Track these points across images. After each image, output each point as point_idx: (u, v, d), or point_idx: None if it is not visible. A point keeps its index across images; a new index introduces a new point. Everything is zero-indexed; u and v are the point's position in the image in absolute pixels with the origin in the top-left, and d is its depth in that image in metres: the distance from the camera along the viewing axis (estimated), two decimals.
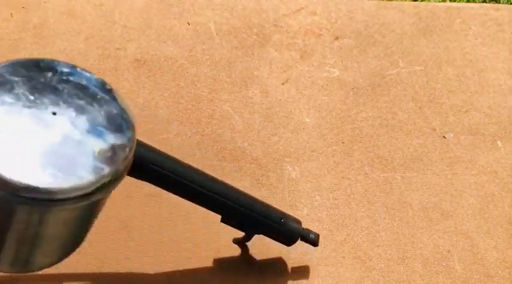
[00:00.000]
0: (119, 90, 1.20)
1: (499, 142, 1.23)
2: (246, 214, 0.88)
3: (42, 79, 0.48)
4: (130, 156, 0.49)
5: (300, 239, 0.97)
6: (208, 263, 0.99)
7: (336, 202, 1.10)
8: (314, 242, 0.98)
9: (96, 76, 0.52)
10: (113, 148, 0.47)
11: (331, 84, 1.28)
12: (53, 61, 0.51)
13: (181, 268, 0.98)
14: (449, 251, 1.06)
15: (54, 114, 0.47)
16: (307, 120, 1.22)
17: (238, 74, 1.27)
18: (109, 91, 0.52)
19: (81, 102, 0.49)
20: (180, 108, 1.19)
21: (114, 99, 0.52)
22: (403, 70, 1.33)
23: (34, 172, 0.42)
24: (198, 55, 1.29)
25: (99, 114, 0.49)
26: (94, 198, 0.47)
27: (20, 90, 0.46)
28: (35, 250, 0.51)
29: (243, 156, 1.14)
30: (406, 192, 1.13)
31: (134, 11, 1.35)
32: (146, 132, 1.14)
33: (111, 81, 1.22)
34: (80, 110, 0.48)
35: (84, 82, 0.51)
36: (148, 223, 1.02)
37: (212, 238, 1.01)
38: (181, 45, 1.30)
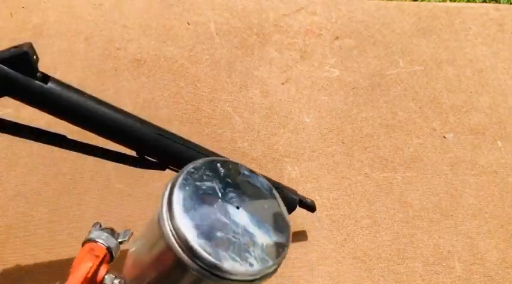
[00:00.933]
0: (119, 90, 1.21)
1: (499, 142, 1.23)
2: None
3: (229, 178, 0.59)
4: (286, 255, 0.59)
5: (299, 205, 0.98)
6: None
7: (336, 202, 1.10)
8: (312, 207, 1.00)
9: (266, 181, 0.64)
10: (276, 245, 0.57)
11: (331, 84, 1.28)
12: (237, 163, 0.62)
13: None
14: (449, 251, 1.06)
15: (237, 208, 0.57)
16: (307, 120, 1.22)
17: (238, 74, 1.27)
18: (274, 195, 0.62)
19: (256, 201, 0.59)
20: (180, 108, 1.19)
21: (277, 201, 0.62)
22: (403, 70, 1.33)
23: (220, 253, 0.53)
24: (198, 55, 1.29)
25: (267, 213, 0.59)
26: None
27: (215, 183, 0.58)
28: None
29: (243, 156, 1.14)
30: (406, 192, 1.13)
31: (134, 11, 1.35)
32: None
33: (111, 81, 1.23)
34: (255, 208, 0.58)
35: (258, 184, 0.62)
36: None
37: None
38: (181, 45, 1.30)
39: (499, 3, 1.59)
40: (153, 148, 0.81)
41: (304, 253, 1.02)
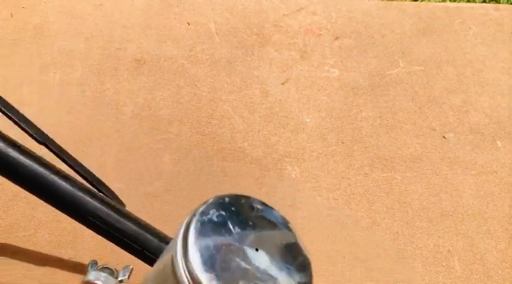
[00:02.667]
0: (119, 90, 1.21)
1: (499, 142, 1.23)
2: None
3: (244, 215, 0.55)
4: None
5: None
6: None
7: (336, 202, 1.10)
8: None
9: (280, 214, 0.59)
10: None
11: (331, 84, 1.28)
12: (248, 197, 0.58)
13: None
14: (449, 251, 1.06)
15: (257, 250, 0.53)
16: (307, 120, 1.22)
17: (238, 74, 1.27)
18: (290, 229, 0.59)
19: (275, 240, 0.56)
20: (180, 108, 1.19)
21: (295, 236, 0.58)
22: (403, 70, 1.33)
23: None
24: (198, 55, 1.29)
25: (287, 251, 0.56)
26: None
27: (232, 225, 0.54)
28: None
29: (243, 156, 1.14)
30: (406, 192, 1.13)
31: (134, 11, 1.35)
32: (146, 132, 1.14)
33: (111, 81, 1.23)
34: (274, 247, 0.55)
35: (273, 219, 0.57)
36: (148, 222, 1.02)
37: None
38: (181, 45, 1.30)
39: (499, 3, 1.59)
40: None
41: None
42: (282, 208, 1.05)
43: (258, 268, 0.52)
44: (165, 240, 0.78)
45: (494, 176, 1.17)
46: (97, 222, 0.75)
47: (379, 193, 1.12)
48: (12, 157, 0.71)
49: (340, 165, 1.15)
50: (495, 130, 1.25)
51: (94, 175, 0.77)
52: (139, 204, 1.05)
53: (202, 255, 0.50)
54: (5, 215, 1.01)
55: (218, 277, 0.49)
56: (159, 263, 0.59)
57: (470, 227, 1.10)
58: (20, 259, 0.97)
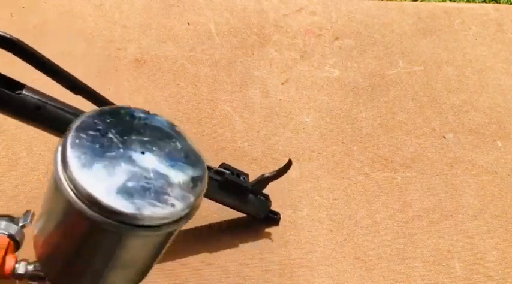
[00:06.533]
0: (119, 90, 1.21)
1: (499, 142, 1.23)
2: None
3: (126, 124, 0.56)
4: (205, 186, 0.57)
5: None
6: (208, 259, 0.99)
7: (336, 202, 1.10)
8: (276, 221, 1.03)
9: (166, 119, 0.61)
10: (193, 180, 0.54)
11: (331, 84, 1.28)
12: (130, 108, 0.59)
13: (180, 265, 0.98)
14: (449, 251, 1.06)
15: (143, 153, 0.54)
16: (307, 120, 1.22)
17: (238, 74, 1.27)
18: (178, 131, 0.59)
19: (161, 142, 0.56)
20: (180, 108, 1.19)
21: (183, 137, 0.58)
22: (403, 70, 1.33)
23: (136, 202, 0.49)
24: (198, 55, 1.29)
25: (176, 150, 0.56)
26: (179, 225, 0.53)
27: (112, 134, 0.53)
28: (111, 275, 0.58)
29: (243, 156, 1.14)
30: (406, 192, 1.13)
31: (134, 11, 1.35)
32: None
33: (111, 81, 1.23)
34: (162, 148, 0.55)
35: (158, 124, 0.59)
36: None
37: (211, 236, 1.01)
38: (181, 45, 1.30)
39: (499, 3, 1.59)
40: None
41: (304, 253, 1.02)
42: (282, 208, 1.05)
43: (145, 169, 0.52)
44: None
45: (494, 176, 1.17)
46: None
47: (379, 193, 1.12)
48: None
49: (340, 165, 1.15)
50: (495, 130, 1.25)
51: None
52: None
53: (81, 162, 0.50)
54: None
55: (103, 181, 0.49)
56: (47, 189, 0.58)
57: (471, 227, 1.10)
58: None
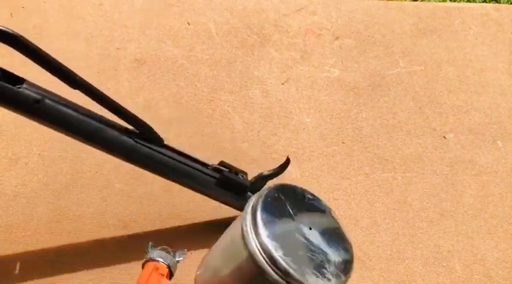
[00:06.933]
0: (119, 90, 1.21)
1: (499, 142, 1.23)
2: None
3: (299, 202, 0.66)
4: (353, 269, 0.67)
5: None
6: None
7: (336, 202, 1.10)
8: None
9: (326, 203, 0.70)
10: (344, 262, 0.65)
11: (331, 84, 1.28)
12: (302, 188, 0.69)
13: (179, 265, 0.98)
14: (449, 251, 1.06)
15: (310, 228, 0.64)
16: (307, 120, 1.22)
17: (238, 74, 1.27)
18: (334, 216, 0.69)
19: (323, 222, 0.66)
20: (180, 108, 1.19)
21: (338, 222, 0.69)
22: (403, 70, 1.33)
23: (303, 269, 0.59)
24: (198, 55, 1.29)
25: (333, 233, 0.66)
26: None
27: (289, 207, 0.64)
28: None
29: (243, 156, 1.14)
30: (406, 192, 1.13)
31: (134, 11, 1.35)
32: None
33: (111, 81, 1.23)
34: (323, 228, 0.65)
35: (322, 207, 0.69)
36: (147, 222, 1.02)
37: (210, 235, 1.01)
38: (181, 45, 1.30)
39: (499, 3, 1.59)
40: None
41: None
42: None
43: (312, 243, 0.63)
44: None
45: (495, 176, 1.17)
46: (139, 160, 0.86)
47: (379, 193, 1.12)
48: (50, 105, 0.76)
49: (341, 165, 1.15)
50: (495, 130, 1.25)
51: (131, 113, 0.84)
52: (139, 203, 1.05)
53: (268, 228, 0.60)
54: (5, 215, 1.01)
55: (282, 247, 0.59)
56: (226, 237, 0.70)
57: (471, 227, 1.09)
58: (20, 259, 0.97)
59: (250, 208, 0.63)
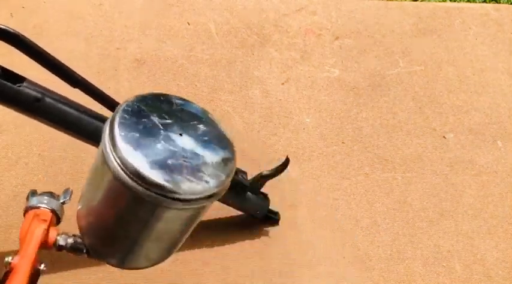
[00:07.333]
0: (119, 90, 1.21)
1: (499, 142, 1.23)
2: None
3: (166, 109, 0.62)
4: (235, 166, 0.62)
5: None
6: (206, 259, 0.99)
7: (336, 202, 1.10)
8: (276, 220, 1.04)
9: (199, 106, 0.67)
10: (224, 161, 0.60)
11: (331, 84, 1.28)
12: (167, 95, 0.65)
13: (180, 265, 0.98)
14: (449, 251, 1.06)
15: (180, 135, 0.60)
16: (307, 120, 1.22)
17: (238, 74, 1.27)
18: (210, 117, 0.66)
19: (196, 125, 0.62)
20: None
21: (215, 123, 0.66)
22: (403, 70, 1.33)
23: (175, 177, 0.55)
24: (198, 55, 1.29)
25: (209, 134, 0.62)
26: (211, 201, 0.59)
27: (154, 117, 0.60)
28: (145, 245, 0.65)
29: (243, 156, 1.13)
30: (406, 192, 1.13)
31: (134, 11, 1.35)
32: None
33: (111, 81, 1.23)
34: (196, 132, 0.62)
35: (193, 110, 0.65)
36: None
37: (210, 235, 1.01)
38: (181, 45, 1.30)
39: (499, 3, 1.59)
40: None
41: (304, 253, 1.02)
42: (282, 208, 1.05)
43: (183, 149, 0.58)
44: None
45: (495, 176, 1.17)
46: None
47: (379, 193, 1.12)
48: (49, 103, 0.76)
49: (340, 165, 1.15)
50: (495, 130, 1.25)
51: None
52: None
53: (128, 141, 0.56)
54: (5, 215, 1.01)
55: (147, 157, 0.55)
56: (93, 165, 0.65)
57: (470, 227, 1.09)
58: None
59: (108, 125, 0.58)
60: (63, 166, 1.08)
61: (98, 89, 0.78)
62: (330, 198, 1.10)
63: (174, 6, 1.37)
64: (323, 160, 1.16)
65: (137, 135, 0.57)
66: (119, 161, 0.55)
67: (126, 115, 0.58)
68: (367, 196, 1.11)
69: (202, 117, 0.65)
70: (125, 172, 0.54)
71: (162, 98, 0.63)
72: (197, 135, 0.61)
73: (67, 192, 0.76)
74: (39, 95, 0.75)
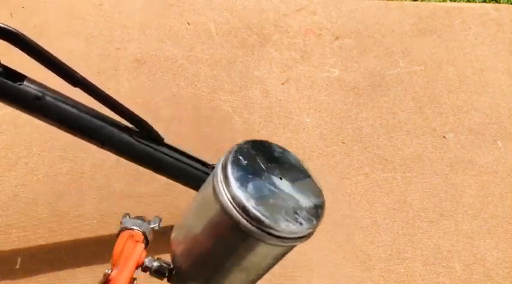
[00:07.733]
0: (119, 90, 1.21)
1: (499, 142, 1.23)
2: None
3: (268, 154, 0.69)
4: (324, 213, 0.68)
5: None
6: None
7: (336, 202, 1.10)
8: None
9: (295, 155, 0.73)
10: (316, 207, 0.67)
11: (331, 84, 1.28)
12: (270, 142, 0.72)
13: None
14: (449, 251, 1.06)
15: (280, 178, 0.67)
16: (307, 120, 1.22)
17: (238, 74, 1.27)
18: (305, 166, 0.72)
19: (293, 172, 0.70)
20: (180, 108, 1.19)
21: (308, 171, 0.72)
22: (403, 70, 1.33)
23: (275, 216, 0.62)
24: (198, 55, 1.29)
25: (303, 181, 0.70)
26: (301, 241, 0.65)
27: (260, 160, 0.68)
28: (233, 275, 0.70)
29: None
30: (406, 192, 1.13)
31: (134, 11, 1.35)
32: None
33: (111, 81, 1.23)
34: (294, 177, 0.69)
35: (291, 159, 0.72)
36: None
37: None
38: (181, 45, 1.30)
39: (499, 3, 1.59)
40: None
41: (304, 253, 1.02)
42: None
43: (283, 191, 0.66)
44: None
45: (495, 176, 1.17)
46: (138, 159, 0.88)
47: (379, 193, 1.12)
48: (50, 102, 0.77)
49: (340, 165, 1.15)
50: (495, 130, 1.25)
51: (131, 112, 0.86)
52: (139, 203, 1.05)
53: (238, 180, 0.63)
54: (5, 215, 1.01)
55: (252, 195, 0.62)
56: (198, 196, 0.72)
57: (470, 227, 1.09)
58: (20, 259, 0.97)
59: (220, 163, 0.65)
60: (63, 166, 1.08)
61: (99, 89, 0.78)
62: (330, 198, 1.10)
63: (174, 6, 1.37)
64: (323, 160, 1.16)
65: (245, 174, 0.65)
66: (229, 196, 0.62)
67: (237, 156, 0.66)
68: (367, 196, 1.11)
69: (298, 165, 0.72)
70: (233, 206, 0.62)
71: (265, 145, 0.71)
72: (294, 181, 0.68)
73: (156, 218, 0.82)
74: (39, 93, 0.75)
